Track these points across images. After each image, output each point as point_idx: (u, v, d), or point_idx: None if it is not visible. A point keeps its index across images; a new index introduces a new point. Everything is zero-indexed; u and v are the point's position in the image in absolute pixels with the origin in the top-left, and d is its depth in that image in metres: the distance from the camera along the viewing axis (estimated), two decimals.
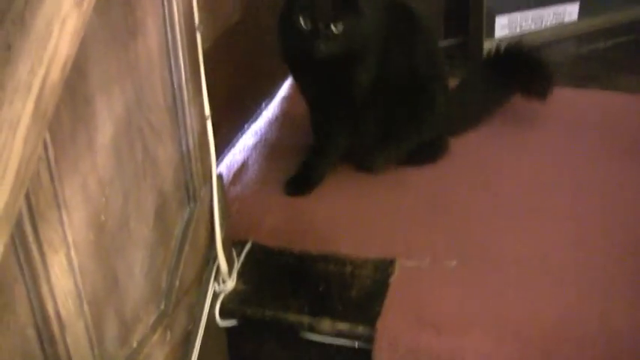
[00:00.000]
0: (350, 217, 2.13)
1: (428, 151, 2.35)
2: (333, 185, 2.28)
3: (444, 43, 3.21)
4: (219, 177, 1.84)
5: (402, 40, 2.20)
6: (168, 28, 1.50)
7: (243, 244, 2.03)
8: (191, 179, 1.68)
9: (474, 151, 2.43)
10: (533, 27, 3.25)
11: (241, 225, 2.10)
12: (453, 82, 2.50)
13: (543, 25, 3.28)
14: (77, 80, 1.23)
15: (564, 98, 2.71)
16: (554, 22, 3.30)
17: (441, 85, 2.32)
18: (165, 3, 1.48)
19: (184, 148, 1.63)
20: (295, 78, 2.31)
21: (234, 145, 2.48)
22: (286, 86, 2.83)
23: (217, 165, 2.29)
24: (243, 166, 2.37)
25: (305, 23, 2.00)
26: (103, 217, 1.37)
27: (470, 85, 2.57)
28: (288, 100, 2.75)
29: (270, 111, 2.69)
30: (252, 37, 2.51)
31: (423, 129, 2.28)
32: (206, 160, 1.72)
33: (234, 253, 1.96)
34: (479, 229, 2.06)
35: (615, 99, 2.79)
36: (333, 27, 1.99)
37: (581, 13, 3.35)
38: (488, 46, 3.10)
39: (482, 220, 2.11)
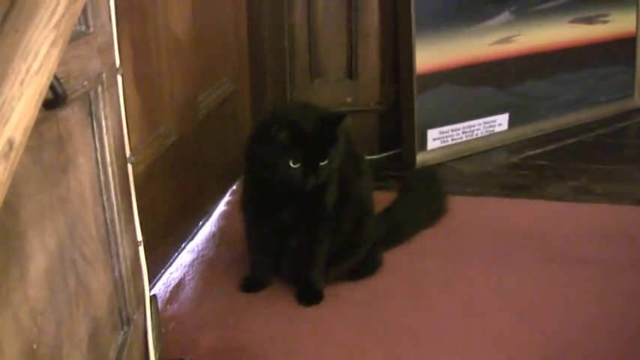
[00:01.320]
0: (283, 338, 2.15)
1: (364, 267, 2.41)
2: (269, 301, 2.32)
3: (380, 156, 3.32)
4: (153, 299, 1.87)
5: (350, 173, 2.30)
6: (100, 163, 1.55)
7: None
8: (124, 304, 1.71)
9: (405, 264, 2.48)
10: (464, 138, 3.35)
11: (177, 344, 2.12)
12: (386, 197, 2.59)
13: (474, 136, 3.38)
14: (8, 217, 1.27)
15: (495, 208, 2.81)
16: (484, 132, 3.41)
17: (372, 217, 2.43)
18: (97, 139, 1.53)
19: (117, 275, 1.67)
20: (260, 207, 2.28)
21: (171, 264, 2.51)
22: (223, 203, 2.89)
23: (154, 284, 2.34)
24: (180, 284, 2.40)
25: (295, 163, 2.06)
26: (35, 346, 1.39)
27: (399, 206, 2.66)
28: (225, 216, 2.80)
29: (207, 228, 2.74)
30: (188, 156, 2.57)
31: (360, 252, 2.39)
32: (139, 284, 1.75)
33: None
34: (410, 350, 2.10)
35: (544, 207, 2.88)
36: (321, 163, 2.07)
37: (511, 122, 3.47)
38: (420, 158, 3.20)
39: (412, 343, 2.14)
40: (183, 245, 2.62)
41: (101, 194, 1.57)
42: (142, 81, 2.24)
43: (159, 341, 1.89)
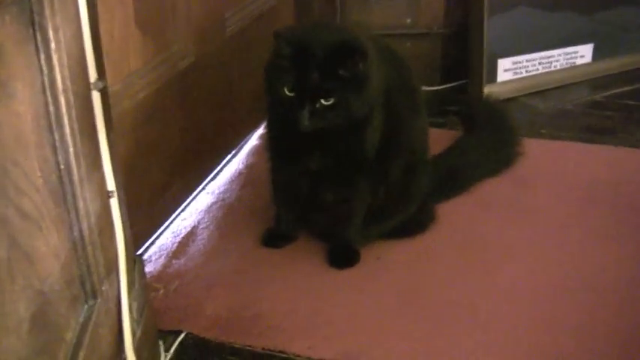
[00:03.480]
0: (307, 309, 1.78)
1: (413, 223, 2.02)
2: (294, 260, 1.94)
3: (442, 88, 2.91)
4: (138, 260, 1.50)
5: (402, 111, 1.88)
6: (48, 90, 1.17)
7: (175, 335, 1.69)
8: (88, 272, 1.33)
9: (462, 220, 2.09)
10: (540, 70, 2.90)
11: (177, 310, 1.77)
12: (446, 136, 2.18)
13: (552, 68, 2.92)
14: None
15: (574, 155, 2.39)
16: (564, 64, 2.95)
17: (427, 164, 2.01)
18: (42, 57, 1.15)
19: (77, 235, 1.29)
20: (283, 149, 1.88)
21: (185, 208, 2.13)
22: (255, 136, 2.50)
23: (161, 233, 1.97)
24: (191, 234, 2.04)
25: (290, 90, 1.65)
26: None
27: (460, 148, 2.26)
28: (256, 152, 2.41)
29: (233, 166, 2.35)
30: (210, 81, 2.17)
31: (410, 207, 1.98)
32: (110, 247, 1.38)
33: (162, 348, 1.62)
34: (455, 335, 1.70)
35: (632, 156, 2.45)
36: (322, 101, 1.64)
37: (596, 54, 3.03)
38: (489, 91, 2.77)
39: (459, 323, 1.74)
40: (201, 186, 2.23)
41: (51, 131, 1.19)
42: None
43: (144, 313, 1.51)
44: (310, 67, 1.62)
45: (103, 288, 1.38)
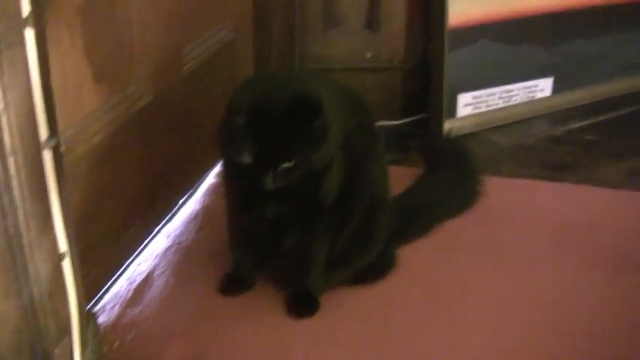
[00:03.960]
0: (270, 357, 1.73)
1: (374, 269, 1.97)
2: (253, 308, 1.90)
3: (402, 122, 2.89)
4: (92, 318, 1.44)
5: (362, 156, 1.83)
6: None
7: None
8: (39, 338, 1.28)
9: (424, 265, 2.05)
10: (500, 104, 2.88)
11: None
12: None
13: (512, 102, 2.90)
14: None
15: (536, 194, 2.39)
16: (524, 98, 2.93)
17: (387, 209, 1.95)
18: None
19: (27, 301, 1.23)
20: (239, 196, 1.82)
21: (140, 253, 2.07)
22: (213, 174, 2.44)
23: (116, 279, 1.91)
24: (147, 280, 1.98)
25: (248, 158, 1.59)
26: None
27: (420, 188, 2.24)
28: (212, 191, 2.36)
29: (190, 206, 2.29)
30: (168, 119, 2.12)
31: (370, 253, 1.94)
32: (62, 310, 1.32)
33: None
34: None
35: (595, 195, 2.43)
36: (284, 165, 1.59)
37: (556, 88, 3.01)
38: (449, 126, 2.74)
39: None
40: (157, 229, 2.17)
41: None
42: (101, 30, 1.77)
43: None
44: (268, 134, 1.56)
45: (56, 352, 1.32)
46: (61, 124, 1.58)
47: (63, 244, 1.29)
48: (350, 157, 1.75)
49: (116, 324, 1.82)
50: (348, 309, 1.89)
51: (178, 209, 2.27)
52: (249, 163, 1.58)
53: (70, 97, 1.67)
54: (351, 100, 1.83)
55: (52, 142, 1.21)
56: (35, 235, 1.20)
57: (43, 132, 1.20)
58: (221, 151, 1.74)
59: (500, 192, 2.36)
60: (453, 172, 2.27)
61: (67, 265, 1.31)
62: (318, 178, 1.70)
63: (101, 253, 1.88)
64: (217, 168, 2.44)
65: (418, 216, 2.14)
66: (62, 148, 1.55)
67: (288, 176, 1.60)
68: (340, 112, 1.72)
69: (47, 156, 1.22)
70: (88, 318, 1.46)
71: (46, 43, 1.19)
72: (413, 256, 2.06)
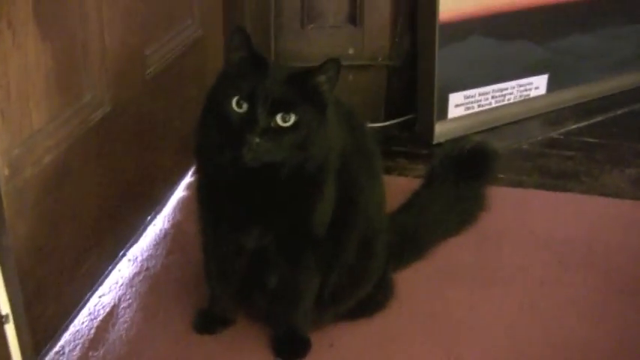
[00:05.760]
0: None
1: (369, 301, 1.73)
2: (233, 350, 1.67)
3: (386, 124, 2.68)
4: None
5: (358, 177, 1.59)
6: None
7: None
8: None
9: (424, 294, 1.84)
10: (493, 104, 2.67)
11: None
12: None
13: (506, 101, 2.69)
14: None
15: (539, 205, 2.22)
16: (518, 97, 2.73)
17: (384, 234, 1.72)
18: None
19: None
20: (215, 221, 1.58)
21: (103, 281, 1.82)
22: (182, 187, 2.19)
23: (75, 316, 1.67)
24: (110, 315, 1.74)
25: (239, 103, 1.34)
26: None
27: (416, 204, 1.99)
28: (182, 206, 2.11)
29: (157, 225, 2.04)
30: (130, 130, 1.87)
31: (367, 285, 1.70)
32: None
33: None
34: None
35: (601, 206, 2.23)
36: (279, 118, 1.34)
37: (550, 86, 2.82)
38: (439, 129, 2.51)
39: None
40: (121, 253, 1.91)
41: None
42: (51, 32, 1.51)
43: None
44: (267, 77, 1.36)
45: None
46: (4, 144, 1.35)
47: (4, 305, 1.03)
48: (345, 181, 1.51)
49: None
50: (343, 348, 1.67)
51: (145, 229, 2.02)
52: (238, 113, 1.34)
53: (13, 111, 1.42)
54: (348, 118, 1.59)
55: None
56: None
57: None
58: (196, 153, 1.51)
59: (500, 204, 2.14)
60: (454, 185, 2.02)
61: (10, 330, 1.05)
62: (307, 201, 1.47)
63: (56, 288, 1.63)
64: (187, 179, 2.20)
65: (415, 236, 1.91)
66: (6, 172, 1.31)
67: (278, 143, 1.35)
68: (337, 129, 1.48)
69: None
70: None
71: None
72: (411, 283, 1.85)
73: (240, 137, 1.33)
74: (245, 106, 1.35)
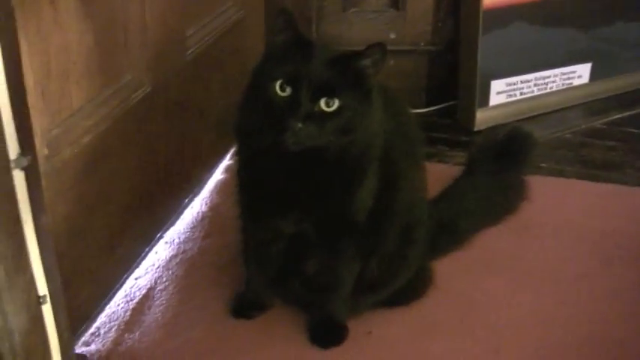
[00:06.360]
0: None
1: (408, 289, 1.71)
2: (265, 344, 1.64)
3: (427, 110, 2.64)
4: None
5: (401, 164, 1.58)
6: None
7: None
8: None
9: (462, 284, 1.81)
10: (536, 92, 2.62)
11: None
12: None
13: (548, 89, 2.64)
14: None
15: (580, 196, 2.17)
16: (561, 85, 2.68)
17: (425, 223, 1.70)
18: None
19: None
20: (253, 206, 1.56)
21: (139, 264, 1.81)
22: (221, 169, 2.18)
23: (111, 298, 1.67)
24: (146, 298, 1.73)
25: (283, 86, 1.33)
26: None
27: (455, 192, 1.96)
28: (221, 189, 2.09)
29: (195, 208, 2.03)
30: (169, 111, 1.85)
31: (406, 274, 1.68)
32: None
33: None
34: None
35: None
36: (323, 103, 1.32)
37: (594, 74, 2.76)
38: (480, 116, 2.47)
39: None
40: (158, 235, 1.90)
41: None
42: (92, 10, 1.50)
43: None
44: (312, 59, 1.34)
45: None
46: (43, 123, 1.34)
47: (42, 286, 1.02)
48: (387, 169, 1.48)
49: (111, 354, 1.58)
50: (380, 336, 1.65)
51: (182, 211, 2.01)
52: (281, 97, 1.33)
53: (53, 90, 1.41)
54: (391, 104, 1.56)
55: (25, 162, 0.95)
56: (4, 279, 0.94)
57: (14, 149, 0.93)
58: (237, 133, 1.49)
59: (540, 193, 2.10)
60: (494, 174, 1.99)
61: (47, 312, 1.04)
62: (349, 187, 1.45)
63: (93, 270, 1.63)
64: (225, 162, 2.18)
65: (455, 225, 1.88)
66: (45, 152, 1.30)
67: (322, 128, 1.33)
68: (381, 114, 1.45)
69: (19, 178, 0.95)
70: None
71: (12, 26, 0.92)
72: (449, 272, 1.82)
73: (283, 121, 1.31)
74: (288, 89, 1.33)
